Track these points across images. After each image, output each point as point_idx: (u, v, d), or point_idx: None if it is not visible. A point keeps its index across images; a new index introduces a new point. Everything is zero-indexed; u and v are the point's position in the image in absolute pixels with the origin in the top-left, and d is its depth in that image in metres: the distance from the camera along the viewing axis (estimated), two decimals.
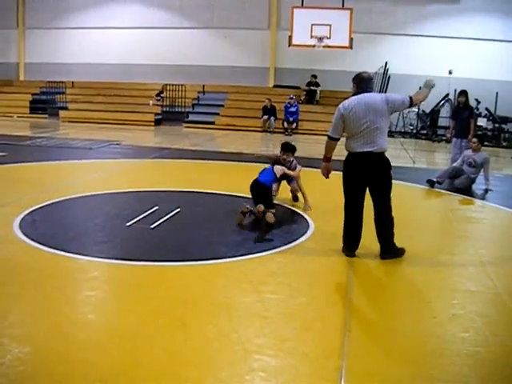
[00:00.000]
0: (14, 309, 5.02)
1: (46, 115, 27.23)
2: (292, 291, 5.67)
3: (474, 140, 12.23)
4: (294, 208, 9.42)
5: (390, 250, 6.83)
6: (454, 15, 24.71)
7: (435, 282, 6.24)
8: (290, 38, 21.81)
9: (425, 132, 24.59)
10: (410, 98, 6.80)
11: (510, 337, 4.90)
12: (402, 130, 24.92)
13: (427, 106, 24.00)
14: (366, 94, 6.70)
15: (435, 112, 24.69)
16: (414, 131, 24.74)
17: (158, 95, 26.14)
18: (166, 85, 26.21)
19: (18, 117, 26.78)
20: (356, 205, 6.83)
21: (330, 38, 21.24)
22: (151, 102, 25.79)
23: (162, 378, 3.98)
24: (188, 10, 27.18)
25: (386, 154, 6.73)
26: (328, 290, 5.84)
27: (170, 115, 25.70)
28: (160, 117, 25.67)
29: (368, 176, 6.70)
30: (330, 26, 21.18)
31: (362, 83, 6.80)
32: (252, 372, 4.08)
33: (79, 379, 3.92)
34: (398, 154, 19.13)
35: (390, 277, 6.43)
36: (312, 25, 21.26)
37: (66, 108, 26.75)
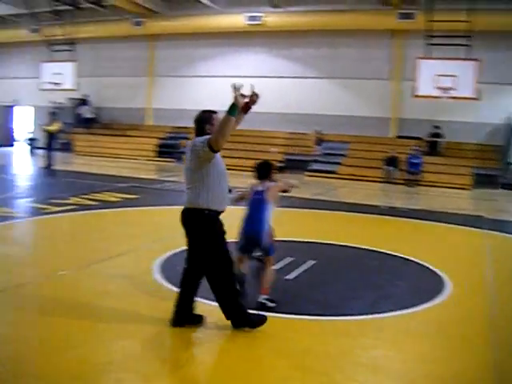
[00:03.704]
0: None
1: (172, 159, 28.23)
2: (433, 355, 5.58)
3: None
4: (426, 264, 9.25)
5: (237, 318, 5.85)
6: None
7: None
8: (414, 88, 21.71)
9: None
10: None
11: None
12: None
13: None
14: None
15: None
16: None
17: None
18: (290, 133, 26.63)
19: (147, 160, 28.00)
20: (188, 269, 5.99)
21: (455, 89, 20.98)
22: (273, 150, 26.17)
23: None
24: (311, 60, 27.65)
25: None
26: (473, 356, 5.68)
27: (292, 163, 25.95)
28: (283, 164, 25.96)
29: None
30: (456, 76, 20.93)
31: (196, 125, 5.80)
32: None
33: None
34: None
35: None
36: (437, 75, 21.09)
37: None
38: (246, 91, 5.73)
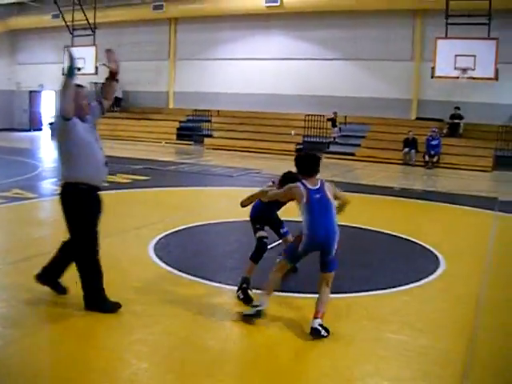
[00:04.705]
0: (139, 327, 5.33)
1: (191, 142, 28.40)
2: (414, 332, 5.56)
3: None
4: (424, 244, 9.18)
5: (91, 300, 5.69)
6: None
7: None
8: (433, 69, 21.45)
9: None
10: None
11: None
12: None
13: None
14: None
15: None
16: None
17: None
18: (308, 115, 26.43)
19: (166, 143, 28.13)
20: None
21: (474, 69, 20.65)
22: (293, 132, 26.09)
23: None
24: (332, 42, 27.37)
25: None
26: (452, 334, 5.65)
27: (312, 145, 25.83)
28: (301, 146, 25.91)
29: None
30: (475, 56, 20.60)
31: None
32: None
33: None
34: None
35: None
36: (456, 56, 20.80)
37: (210, 136, 27.79)
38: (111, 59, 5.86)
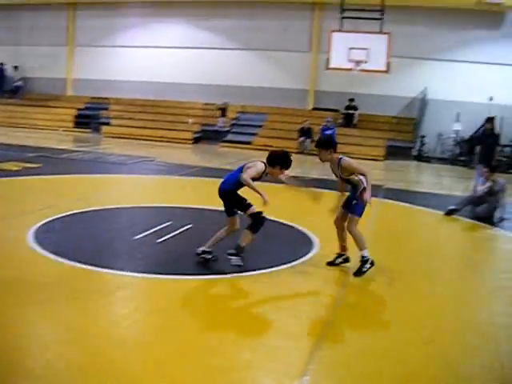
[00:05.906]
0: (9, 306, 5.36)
1: (89, 130, 27.99)
2: (277, 308, 5.85)
3: (485, 169, 12.13)
4: (302, 229, 9.54)
5: None
6: (494, 41, 24.28)
7: (426, 309, 6.33)
8: (328, 61, 22.02)
9: (462, 159, 24.27)
10: None
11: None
12: (440, 157, 24.73)
13: (466, 132, 23.74)
14: None
15: (474, 139, 24.39)
16: (453, 157, 24.50)
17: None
18: (207, 104, 26.59)
19: (64, 130, 27.58)
20: None
21: (367, 62, 21.34)
22: (190, 121, 26.17)
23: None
24: (231, 32, 27.61)
25: None
26: (312, 311, 5.97)
27: (209, 134, 26.08)
28: (199, 135, 26.11)
29: None
30: (368, 49, 21.29)
31: None
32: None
33: None
34: (433, 180, 19.18)
35: (380, 301, 6.50)
36: (350, 48, 21.42)
37: (108, 124, 27.46)
38: None
